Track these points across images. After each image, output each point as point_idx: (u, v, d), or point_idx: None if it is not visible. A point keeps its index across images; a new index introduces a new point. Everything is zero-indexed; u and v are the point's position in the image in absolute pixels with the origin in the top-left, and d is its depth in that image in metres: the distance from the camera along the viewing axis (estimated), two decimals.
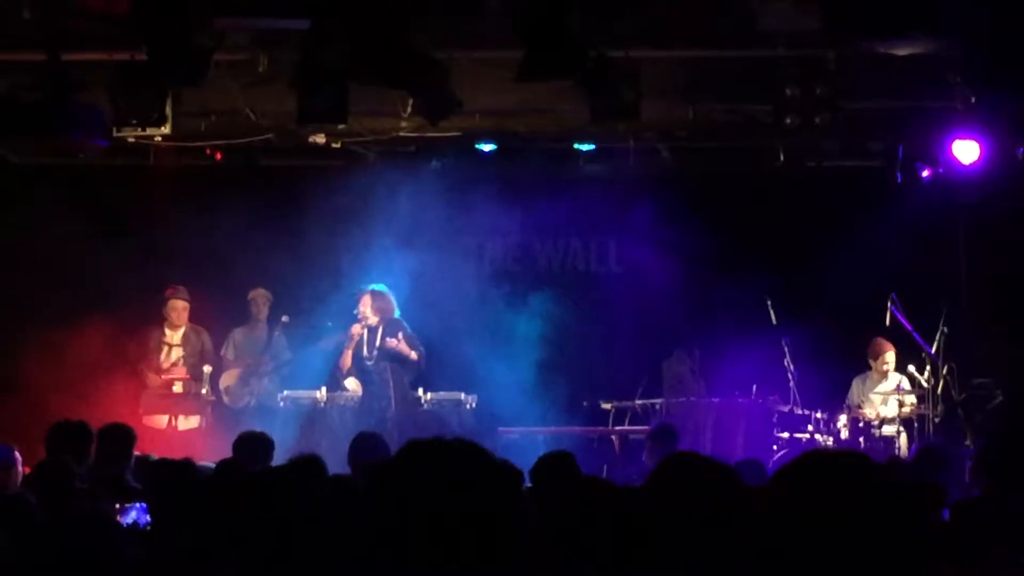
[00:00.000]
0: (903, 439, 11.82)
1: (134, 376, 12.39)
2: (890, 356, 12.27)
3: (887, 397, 12.16)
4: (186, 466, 6.27)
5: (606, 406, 12.31)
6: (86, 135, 10.70)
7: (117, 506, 6.52)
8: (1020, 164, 11.24)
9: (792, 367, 12.06)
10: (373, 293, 12.07)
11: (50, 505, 5.88)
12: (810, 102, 10.47)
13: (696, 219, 12.58)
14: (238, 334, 12.92)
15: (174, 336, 12.67)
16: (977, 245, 12.80)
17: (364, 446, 7.89)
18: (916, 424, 11.89)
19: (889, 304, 11.86)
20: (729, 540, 3.12)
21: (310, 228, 12.68)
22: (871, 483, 2.43)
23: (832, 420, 11.89)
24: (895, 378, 12.28)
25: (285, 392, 12.30)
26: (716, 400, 12.16)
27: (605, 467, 11.44)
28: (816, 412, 11.89)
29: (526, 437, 11.89)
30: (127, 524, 6.24)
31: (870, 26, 9.24)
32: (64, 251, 12.50)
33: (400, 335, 11.92)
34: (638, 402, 12.19)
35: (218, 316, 13.01)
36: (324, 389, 12.17)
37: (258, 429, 8.62)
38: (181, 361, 12.57)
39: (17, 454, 7.42)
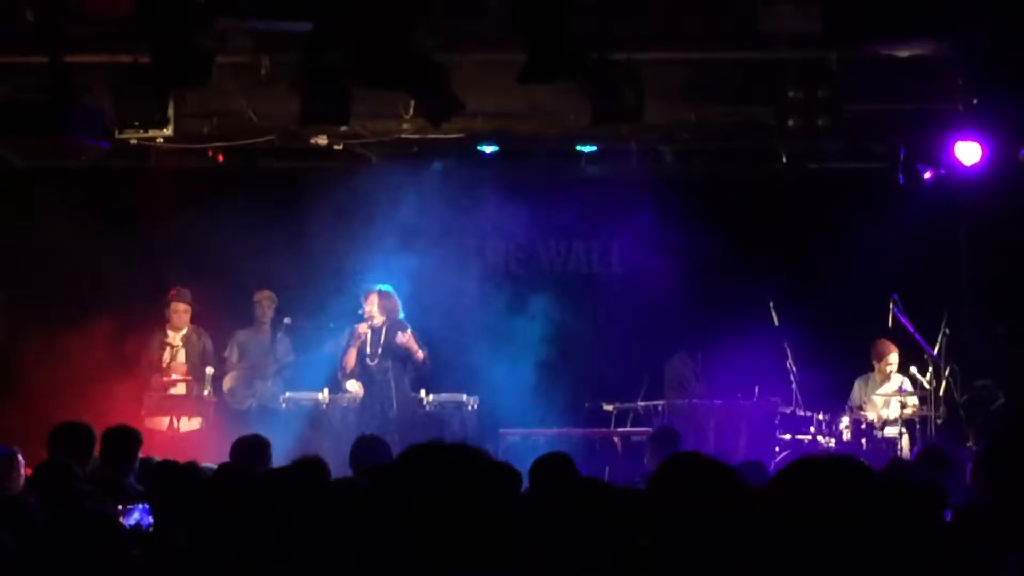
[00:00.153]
0: (905, 440, 11.81)
1: (136, 378, 12.38)
2: (894, 358, 12.27)
3: (889, 399, 12.16)
4: (189, 469, 6.27)
5: (608, 407, 12.29)
6: (88, 137, 10.68)
7: (120, 508, 6.51)
8: (1022, 166, 11.24)
9: (794, 368, 12.07)
10: (380, 293, 11.98)
11: (51, 507, 5.87)
12: (812, 104, 10.47)
13: (698, 221, 12.60)
14: (242, 336, 12.89)
15: (176, 338, 12.66)
16: (979, 246, 12.78)
17: (366, 448, 7.89)
18: (918, 425, 11.90)
19: (891, 305, 11.87)
20: (731, 540, 3.12)
21: (312, 230, 12.65)
22: (871, 484, 2.44)
23: (834, 422, 11.89)
24: (897, 379, 12.29)
25: (287, 394, 12.27)
26: (718, 402, 12.14)
27: (607, 469, 11.41)
28: (818, 414, 11.89)
29: (528, 439, 11.84)
30: (129, 526, 6.24)
31: (872, 28, 9.25)
32: (66, 253, 12.51)
33: (408, 332, 11.90)
34: (640, 403, 12.16)
35: (220, 318, 12.98)
36: (326, 391, 12.13)
37: (260, 431, 8.59)
38: (183, 363, 12.57)
39: (19, 456, 7.42)
